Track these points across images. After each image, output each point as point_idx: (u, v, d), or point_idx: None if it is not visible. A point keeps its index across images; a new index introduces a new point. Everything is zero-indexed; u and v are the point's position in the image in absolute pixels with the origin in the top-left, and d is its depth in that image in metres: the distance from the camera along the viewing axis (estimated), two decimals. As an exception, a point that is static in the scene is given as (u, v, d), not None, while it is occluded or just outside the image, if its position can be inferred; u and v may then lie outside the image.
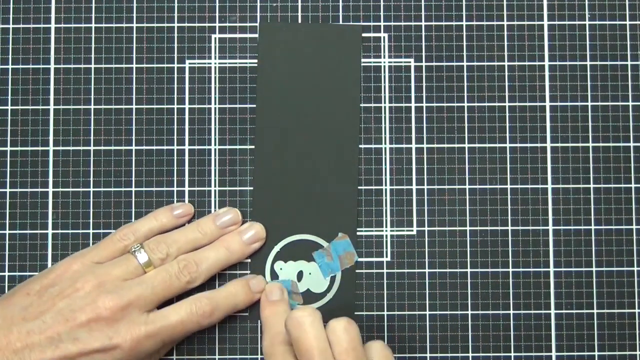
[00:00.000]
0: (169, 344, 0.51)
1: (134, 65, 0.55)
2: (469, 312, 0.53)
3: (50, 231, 0.54)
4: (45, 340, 0.46)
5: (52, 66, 0.55)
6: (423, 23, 0.55)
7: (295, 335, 0.45)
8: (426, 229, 0.54)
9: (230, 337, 0.53)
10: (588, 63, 0.55)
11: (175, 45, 0.55)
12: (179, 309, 0.49)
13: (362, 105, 0.55)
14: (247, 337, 0.53)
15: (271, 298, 0.51)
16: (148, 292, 0.49)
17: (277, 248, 0.53)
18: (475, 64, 0.55)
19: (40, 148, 0.54)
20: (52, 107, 0.55)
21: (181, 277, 0.50)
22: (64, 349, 0.46)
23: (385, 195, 0.54)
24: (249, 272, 0.53)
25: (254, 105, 0.55)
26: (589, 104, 0.55)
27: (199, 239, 0.52)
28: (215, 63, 0.55)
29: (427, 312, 0.53)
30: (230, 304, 0.51)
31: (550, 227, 0.54)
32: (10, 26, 0.55)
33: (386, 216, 0.54)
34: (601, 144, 0.54)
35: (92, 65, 0.55)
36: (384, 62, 0.55)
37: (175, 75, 0.55)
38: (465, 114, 0.55)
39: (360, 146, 0.54)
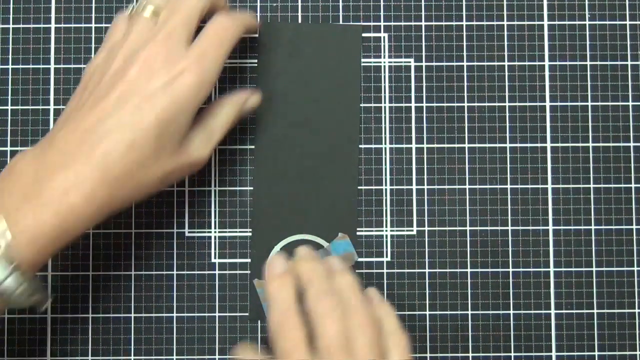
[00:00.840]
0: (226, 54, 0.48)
1: (134, 65, 0.55)
2: (469, 312, 0.53)
3: (50, 231, 0.54)
4: (118, 104, 0.45)
5: (52, 66, 0.55)
6: (423, 23, 0.55)
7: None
8: (426, 229, 0.54)
9: (230, 337, 0.53)
10: (588, 63, 0.55)
11: (175, 45, 0.55)
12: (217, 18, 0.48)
13: (362, 105, 0.55)
14: (247, 337, 0.53)
15: (275, 271, 0.48)
16: (175, 26, 0.47)
17: (277, 248, 0.53)
18: (475, 64, 0.55)
19: (40, 148, 0.54)
20: (52, 107, 0.55)
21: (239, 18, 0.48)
22: (133, 99, 0.45)
23: (385, 195, 0.54)
24: (249, 271, 0.53)
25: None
26: (589, 104, 0.55)
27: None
28: (215, 63, 0.55)
29: (427, 312, 0.53)
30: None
31: (550, 227, 0.54)
32: (10, 26, 0.55)
33: (386, 216, 0.54)
34: (601, 144, 0.54)
35: (92, 65, 0.55)
36: (384, 62, 0.55)
37: (175, 75, 0.55)
38: (465, 114, 0.55)
39: (360, 146, 0.54)
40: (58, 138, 0.45)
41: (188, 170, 0.48)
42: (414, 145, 0.54)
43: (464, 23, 0.55)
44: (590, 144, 0.54)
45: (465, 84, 0.55)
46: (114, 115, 0.45)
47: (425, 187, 0.54)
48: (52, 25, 0.55)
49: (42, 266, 0.44)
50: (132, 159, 0.45)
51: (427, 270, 0.54)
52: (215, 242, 0.54)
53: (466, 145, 0.54)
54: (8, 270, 0.42)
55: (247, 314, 0.53)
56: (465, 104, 0.55)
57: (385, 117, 0.55)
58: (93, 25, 0.55)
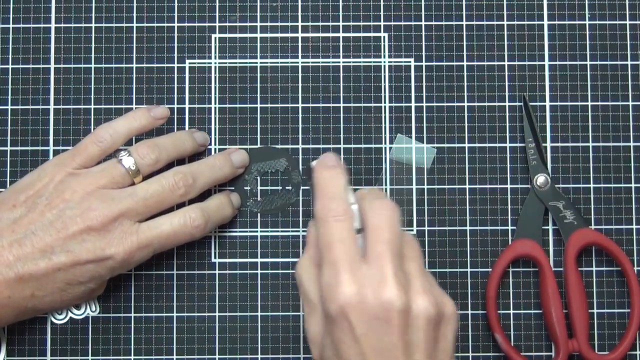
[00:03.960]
0: (159, 252, 0.50)
1: (134, 65, 0.55)
2: (469, 312, 0.53)
3: (50, 231, 0.54)
4: (38, 252, 0.46)
5: (52, 66, 0.55)
6: (423, 23, 0.55)
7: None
8: (426, 229, 0.54)
9: (230, 337, 0.53)
10: (588, 63, 0.55)
11: (175, 45, 0.55)
12: (171, 219, 0.48)
13: (362, 105, 0.55)
14: (247, 337, 0.53)
15: (328, 164, 0.46)
16: (140, 204, 0.48)
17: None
18: (475, 63, 0.55)
19: (40, 148, 0.54)
20: (52, 107, 0.55)
21: (176, 190, 0.48)
22: (56, 260, 0.46)
23: (385, 195, 0.54)
24: (250, 271, 0.53)
25: (254, 105, 0.55)
26: (589, 103, 0.55)
27: (188, 146, 0.51)
28: (215, 63, 0.55)
29: (427, 312, 0.53)
30: (221, 216, 0.51)
31: (550, 227, 0.54)
32: (10, 26, 0.55)
33: (386, 216, 0.54)
34: (601, 144, 0.54)
35: (92, 65, 0.55)
36: (384, 62, 0.55)
37: (175, 75, 0.55)
38: (465, 114, 0.55)
39: (360, 146, 0.54)
40: None
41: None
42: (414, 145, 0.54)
43: (464, 23, 0.55)
44: (590, 144, 0.54)
45: (465, 84, 0.55)
46: (34, 263, 0.46)
47: (425, 187, 0.54)
48: (52, 25, 0.55)
49: None
50: (28, 304, 0.47)
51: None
52: (215, 242, 0.54)
53: (466, 145, 0.54)
54: None
55: (247, 313, 0.53)
56: (465, 104, 0.55)
57: (385, 117, 0.55)
58: (93, 25, 0.55)
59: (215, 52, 0.55)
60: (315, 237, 0.44)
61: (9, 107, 0.55)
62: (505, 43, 0.55)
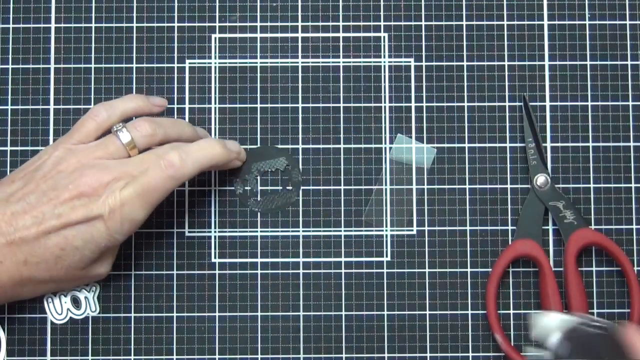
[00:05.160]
0: (151, 208, 0.48)
1: (134, 65, 0.55)
2: (469, 312, 0.53)
3: (50, 231, 0.54)
4: (30, 218, 0.47)
5: (52, 66, 0.55)
6: (423, 23, 0.55)
7: None
8: (426, 228, 0.54)
9: (230, 337, 0.53)
10: (588, 63, 0.55)
11: (175, 45, 0.55)
12: (147, 167, 0.48)
13: (362, 105, 0.55)
14: (247, 337, 0.53)
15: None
16: (132, 170, 0.47)
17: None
18: (475, 63, 0.55)
19: (40, 148, 0.54)
20: (52, 107, 0.55)
21: (165, 170, 0.48)
22: (47, 224, 0.46)
23: (385, 195, 0.54)
24: (250, 271, 0.53)
25: (254, 105, 0.55)
26: (589, 103, 0.55)
27: (187, 130, 0.51)
28: (215, 63, 0.55)
29: (427, 312, 0.53)
30: (206, 155, 0.49)
31: (550, 227, 0.54)
32: (10, 26, 0.55)
33: (386, 216, 0.54)
34: (601, 144, 0.54)
35: (92, 65, 0.55)
36: (384, 62, 0.55)
37: (175, 75, 0.55)
38: (465, 114, 0.55)
39: (360, 146, 0.54)
40: None
41: (86, 282, 0.52)
42: (414, 145, 0.54)
43: (464, 23, 0.55)
44: (590, 144, 0.54)
45: (465, 84, 0.55)
46: (25, 229, 0.46)
47: (425, 187, 0.54)
48: (52, 25, 0.55)
49: None
50: (23, 272, 0.47)
51: (427, 270, 0.54)
52: (215, 242, 0.54)
53: (466, 145, 0.54)
54: None
55: (247, 313, 0.53)
56: (465, 104, 0.55)
57: (385, 117, 0.55)
58: (93, 25, 0.55)
59: (215, 52, 0.55)
60: None
61: (9, 107, 0.55)
62: (505, 43, 0.55)
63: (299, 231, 0.54)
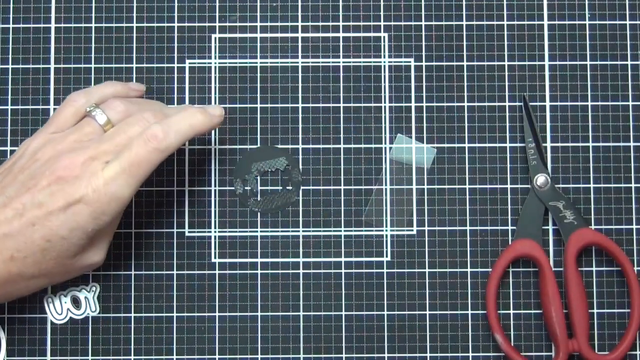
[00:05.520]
0: (137, 184, 0.47)
1: (134, 65, 0.55)
2: (469, 312, 0.53)
3: (50, 231, 0.54)
4: (10, 211, 0.46)
5: (52, 66, 0.55)
6: (423, 23, 0.55)
7: None
8: (426, 228, 0.54)
9: (230, 337, 0.53)
10: (588, 63, 0.55)
11: (175, 45, 0.55)
12: (130, 145, 0.47)
13: (362, 105, 0.55)
14: (247, 337, 0.53)
15: None
16: (108, 144, 0.47)
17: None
18: (475, 63, 0.55)
19: (40, 148, 0.54)
20: (52, 107, 0.55)
21: (148, 143, 0.46)
22: (29, 215, 0.45)
23: (385, 195, 0.54)
24: (250, 271, 0.54)
25: (254, 105, 0.55)
26: (589, 103, 0.55)
27: (164, 107, 0.50)
28: (215, 63, 0.55)
29: (427, 312, 0.53)
30: (189, 124, 0.48)
31: (550, 227, 0.54)
32: (10, 26, 0.55)
33: (386, 216, 0.54)
34: (601, 144, 0.54)
35: (92, 65, 0.55)
36: (384, 62, 0.55)
37: (175, 75, 0.55)
38: (465, 114, 0.55)
39: (360, 146, 0.54)
40: None
41: (80, 273, 0.49)
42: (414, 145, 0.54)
43: (464, 23, 0.55)
44: (590, 144, 0.54)
45: (465, 84, 0.55)
46: (7, 223, 0.45)
47: (425, 187, 0.54)
48: (52, 25, 0.55)
49: None
50: (12, 269, 0.46)
51: (427, 270, 0.54)
52: (215, 242, 0.54)
53: (466, 145, 0.54)
54: None
55: (247, 313, 0.53)
56: (465, 104, 0.55)
57: (385, 117, 0.55)
58: (93, 25, 0.55)
59: (215, 52, 0.55)
60: None
61: (9, 107, 0.55)
62: (505, 43, 0.55)
63: (299, 231, 0.54)
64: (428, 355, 0.53)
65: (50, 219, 0.45)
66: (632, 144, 0.54)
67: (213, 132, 0.54)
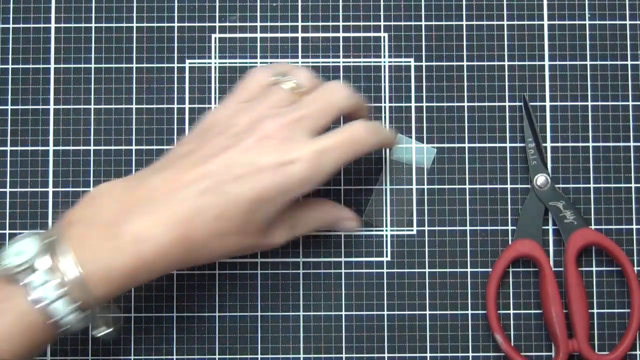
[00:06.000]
0: (340, 165, 0.46)
1: (134, 65, 0.55)
2: (469, 312, 0.53)
3: (50, 231, 0.54)
4: (214, 167, 0.43)
5: (52, 66, 0.55)
6: (423, 23, 0.55)
7: None
8: (426, 228, 0.54)
9: (230, 337, 0.53)
10: (588, 63, 0.55)
11: (175, 45, 0.55)
12: (352, 125, 0.46)
13: (362, 105, 0.55)
14: (247, 336, 0.53)
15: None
16: (310, 110, 0.45)
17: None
18: (475, 63, 0.55)
19: (40, 148, 0.54)
20: (52, 107, 0.55)
21: (343, 91, 0.46)
22: (236, 172, 0.43)
23: (385, 195, 0.54)
24: (250, 271, 0.53)
25: (254, 105, 0.55)
26: (589, 103, 0.55)
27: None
28: (215, 63, 0.55)
29: (427, 312, 0.53)
30: (384, 135, 0.49)
31: (551, 227, 0.54)
32: (10, 26, 0.55)
33: (386, 216, 0.54)
34: (601, 144, 0.54)
35: (92, 65, 0.55)
36: (384, 62, 0.55)
37: (175, 75, 0.55)
38: (465, 114, 0.55)
39: (360, 146, 0.54)
40: (151, 180, 0.44)
41: (259, 249, 0.48)
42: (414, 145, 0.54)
43: (464, 23, 0.55)
44: (590, 144, 0.54)
45: (465, 84, 0.55)
46: (214, 180, 0.43)
47: (425, 187, 0.54)
48: (52, 25, 0.55)
49: (107, 300, 0.43)
50: (216, 228, 0.43)
51: (427, 270, 0.54)
52: (215, 242, 0.54)
53: (466, 145, 0.54)
54: (70, 308, 0.41)
55: (247, 313, 0.53)
56: (465, 104, 0.55)
57: (385, 117, 0.55)
58: (93, 25, 0.55)
59: (215, 52, 0.55)
60: None
61: (9, 107, 0.55)
62: (505, 43, 0.55)
63: (299, 231, 0.54)
64: (428, 355, 0.53)
65: (260, 178, 0.43)
66: (632, 144, 0.54)
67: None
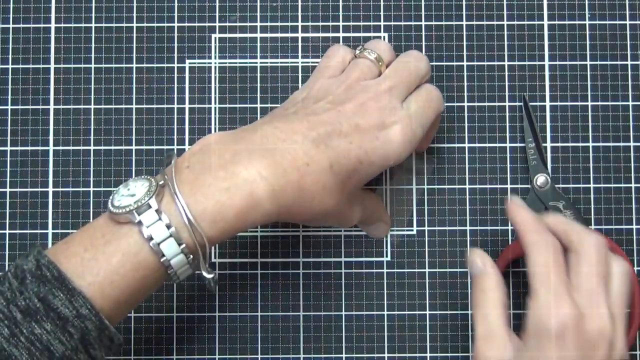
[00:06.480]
0: (417, 142, 0.47)
1: (134, 65, 0.55)
2: (469, 312, 0.53)
3: (50, 231, 0.54)
4: (326, 125, 0.44)
5: (52, 66, 0.55)
6: (423, 23, 0.55)
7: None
8: (426, 228, 0.54)
9: (230, 337, 0.53)
10: (588, 63, 0.55)
11: (175, 45, 0.55)
12: (414, 98, 0.48)
13: (362, 105, 0.55)
14: (247, 337, 0.53)
15: (531, 224, 0.46)
16: (397, 80, 0.47)
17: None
18: (475, 63, 0.55)
19: (40, 148, 0.54)
20: (52, 107, 0.55)
21: (419, 61, 0.48)
22: (345, 131, 0.44)
23: (386, 195, 0.54)
24: (250, 271, 0.53)
25: (254, 105, 0.55)
26: (589, 103, 0.55)
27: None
28: (215, 63, 0.55)
29: (427, 312, 0.53)
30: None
31: (550, 227, 0.54)
32: (10, 26, 0.55)
33: (386, 216, 0.54)
34: (601, 144, 0.54)
35: (92, 65, 0.55)
36: (384, 62, 0.55)
37: (175, 75, 0.55)
38: (465, 114, 0.55)
39: (360, 146, 0.54)
40: (263, 129, 0.44)
41: (340, 221, 0.48)
42: (414, 145, 0.54)
43: (464, 23, 0.55)
44: (590, 144, 0.54)
45: (465, 84, 0.55)
46: (325, 131, 0.44)
47: (425, 187, 0.54)
48: (52, 25, 0.55)
49: (217, 242, 0.43)
50: (324, 180, 0.43)
51: (427, 270, 0.54)
52: (215, 242, 0.54)
53: (466, 145, 0.54)
54: (179, 248, 0.41)
55: (247, 313, 0.53)
56: (465, 104, 0.55)
57: (385, 117, 0.55)
58: (93, 25, 0.55)
59: (215, 52, 0.55)
60: None
61: (9, 107, 0.55)
62: (505, 43, 0.55)
63: (299, 231, 0.54)
64: (428, 355, 0.53)
65: (365, 139, 0.45)
66: (632, 144, 0.54)
67: (213, 132, 0.54)
